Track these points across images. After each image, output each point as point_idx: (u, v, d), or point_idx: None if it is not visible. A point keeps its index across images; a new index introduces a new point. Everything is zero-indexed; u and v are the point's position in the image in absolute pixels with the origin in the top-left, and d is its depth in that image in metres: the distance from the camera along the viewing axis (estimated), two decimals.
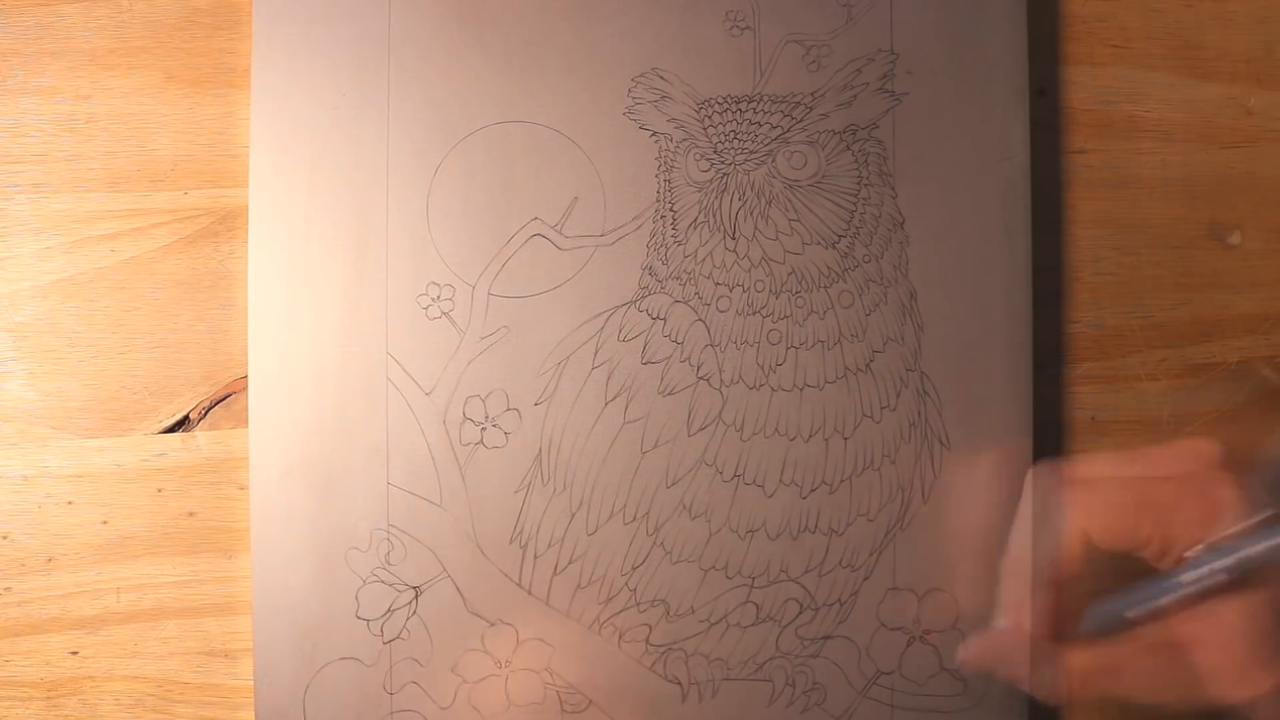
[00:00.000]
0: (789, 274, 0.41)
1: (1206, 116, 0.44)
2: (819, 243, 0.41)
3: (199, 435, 0.42)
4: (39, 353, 0.42)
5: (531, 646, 0.41)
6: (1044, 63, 0.43)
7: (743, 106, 0.41)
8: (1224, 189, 0.44)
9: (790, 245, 0.41)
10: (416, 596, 0.41)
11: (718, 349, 0.41)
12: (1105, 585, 0.35)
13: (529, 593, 0.41)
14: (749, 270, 0.41)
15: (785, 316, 0.41)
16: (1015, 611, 0.36)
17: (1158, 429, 0.44)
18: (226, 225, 0.42)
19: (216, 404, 0.42)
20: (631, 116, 0.41)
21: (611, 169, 0.41)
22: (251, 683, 0.41)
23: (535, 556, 0.41)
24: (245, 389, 0.41)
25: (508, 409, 0.41)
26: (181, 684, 0.42)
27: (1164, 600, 0.33)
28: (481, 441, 0.41)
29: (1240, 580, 0.32)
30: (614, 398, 0.41)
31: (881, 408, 0.41)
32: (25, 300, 0.42)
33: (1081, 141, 0.44)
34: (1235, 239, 0.44)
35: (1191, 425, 0.44)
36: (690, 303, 0.41)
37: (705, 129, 0.41)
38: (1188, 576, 0.33)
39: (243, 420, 0.42)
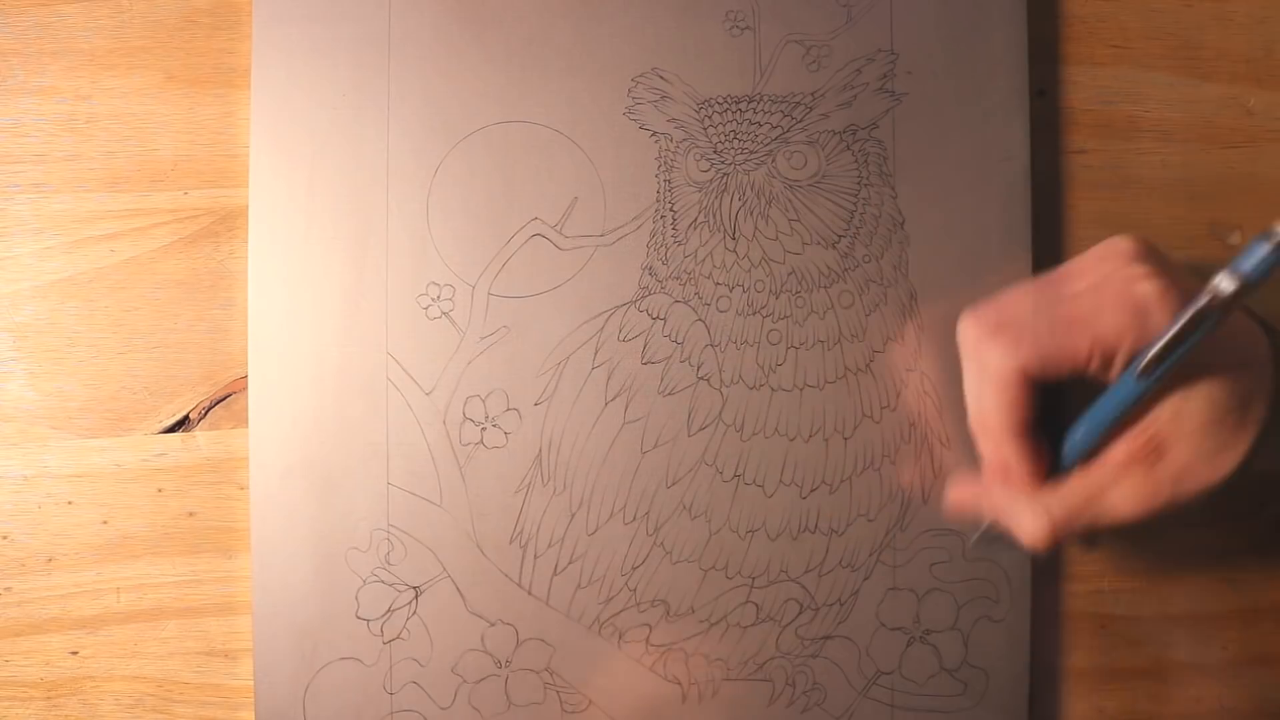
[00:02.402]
0: (789, 274, 0.41)
1: (1206, 116, 0.44)
2: (819, 243, 0.41)
3: (199, 435, 0.42)
4: (39, 353, 0.42)
5: (531, 646, 0.41)
6: (1044, 63, 0.43)
7: (743, 106, 0.41)
8: (1224, 189, 0.44)
9: (790, 245, 0.41)
10: (416, 596, 0.41)
11: (718, 349, 0.41)
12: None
13: (529, 593, 0.41)
14: (749, 270, 0.41)
15: (785, 316, 0.41)
16: (992, 466, 0.36)
17: None
18: (226, 225, 0.42)
19: (216, 404, 0.42)
20: (631, 116, 0.41)
21: (611, 169, 0.41)
22: (251, 683, 0.41)
23: (535, 556, 0.41)
24: (245, 389, 0.41)
25: (508, 409, 0.41)
26: (181, 684, 0.42)
27: (1114, 416, 0.34)
28: (481, 441, 0.41)
29: (1182, 375, 0.32)
30: (614, 398, 0.41)
31: (881, 408, 0.41)
32: (25, 300, 0.42)
33: (1081, 141, 0.44)
34: (1235, 239, 0.44)
35: None
36: (690, 303, 0.41)
37: (705, 129, 0.41)
38: (1126, 388, 0.33)
39: (243, 420, 0.42)
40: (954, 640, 0.41)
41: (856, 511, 0.41)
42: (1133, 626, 0.44)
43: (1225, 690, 0.44)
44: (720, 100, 0.41)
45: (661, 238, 0.41)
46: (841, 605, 0.41)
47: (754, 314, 0.41)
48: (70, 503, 0.42)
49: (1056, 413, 0.36)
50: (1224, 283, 0.30)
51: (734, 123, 0.41)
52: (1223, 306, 0.31)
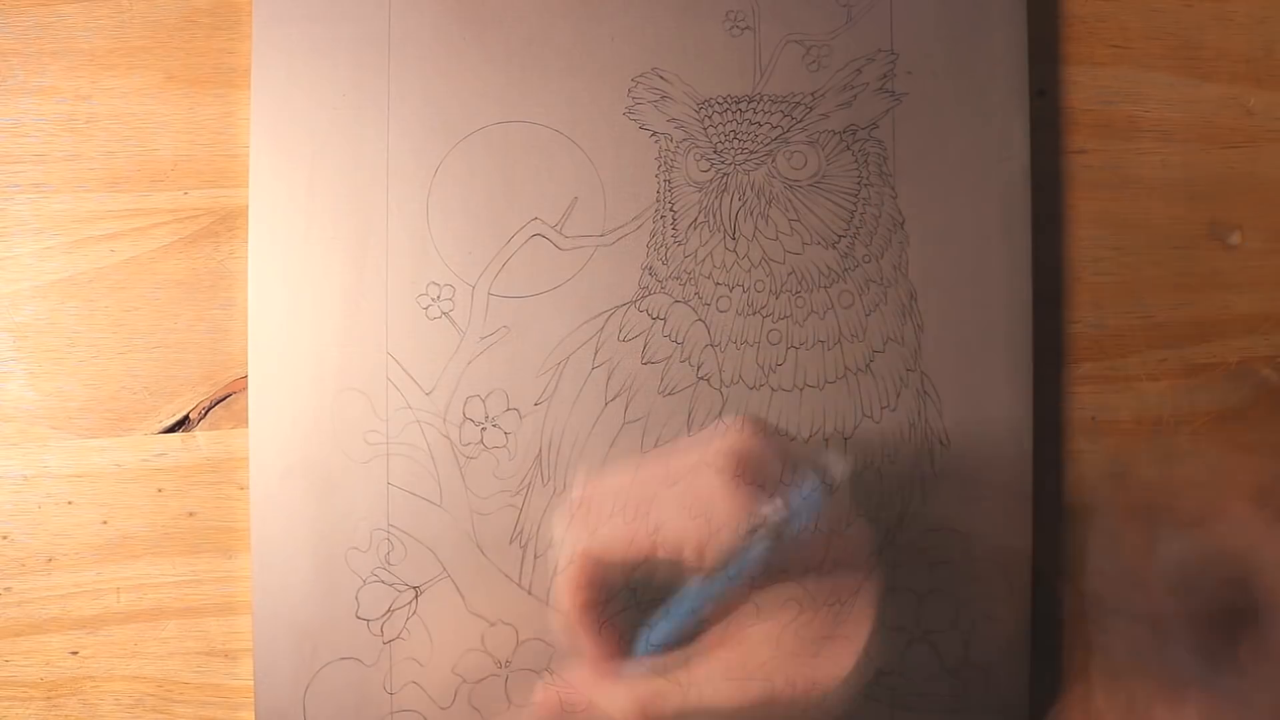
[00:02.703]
0: (789, 274, 0.41)
1: (1206, 116, 0.44)
2: (819, 243, 0.41)
3: (199, 435, 0.42)
4: (39, 353, 0.42)
5: (531, 646, 0.41)
6: (1044, 63, 0.43)
7: (743, 106, 0.41)
8: (1224, 189, 0.44)
9: (790, 245, 0.41)
10: (416, 596, 0.41)
11: (718, 349, 0.41)
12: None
13: (529, 593, 0.41)
14: (749, 270, 0.41)
15: (785, 316, 0.41)
16: (578, 639, 0.35)
17: (1158, 428, 0.44)
18: (226, 225, 0.42)
19: (216, 404, 0.42)
20: (631, 116, 0.41)
21: (611, 169, 0.41)
22: (251, 683, 0.41)
23: (535, 556, 0.41)
24: (245, 389, 0.41)
25: (508, 409, 0.41)
26: (181, 684, 0.42)
27: (692, 609, 0.33)
28: (481, 441, 0.41)
29: (754, 582, 0.32)
30: (614, 398, 0.41)
31: (881, 408, 0.41)
32: (25, 300, 0.42)
33: (1081, 141, 0.44)
34: (1235, 239, 0.44)
35: (1192, 424, 0.44)
36: (690, 303, 0.41)
37: (705, 129, 0.41)
38: (697, 590, 0.33)
39: (243, 420, 0.42)
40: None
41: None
42: (1132, 626, 0.44)
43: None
44: (720, 100, 0.41)
45: (661, 238, 0.41)
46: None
47: (754, 314, 0.41)
48: (70, 503, 0.42)
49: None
50: (773, 512, 0.30)
51: (734, 123, 0.41)
52: (774, 533, 0.30)
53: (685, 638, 0.35)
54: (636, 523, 0.33)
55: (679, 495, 0.33)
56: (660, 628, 0.35)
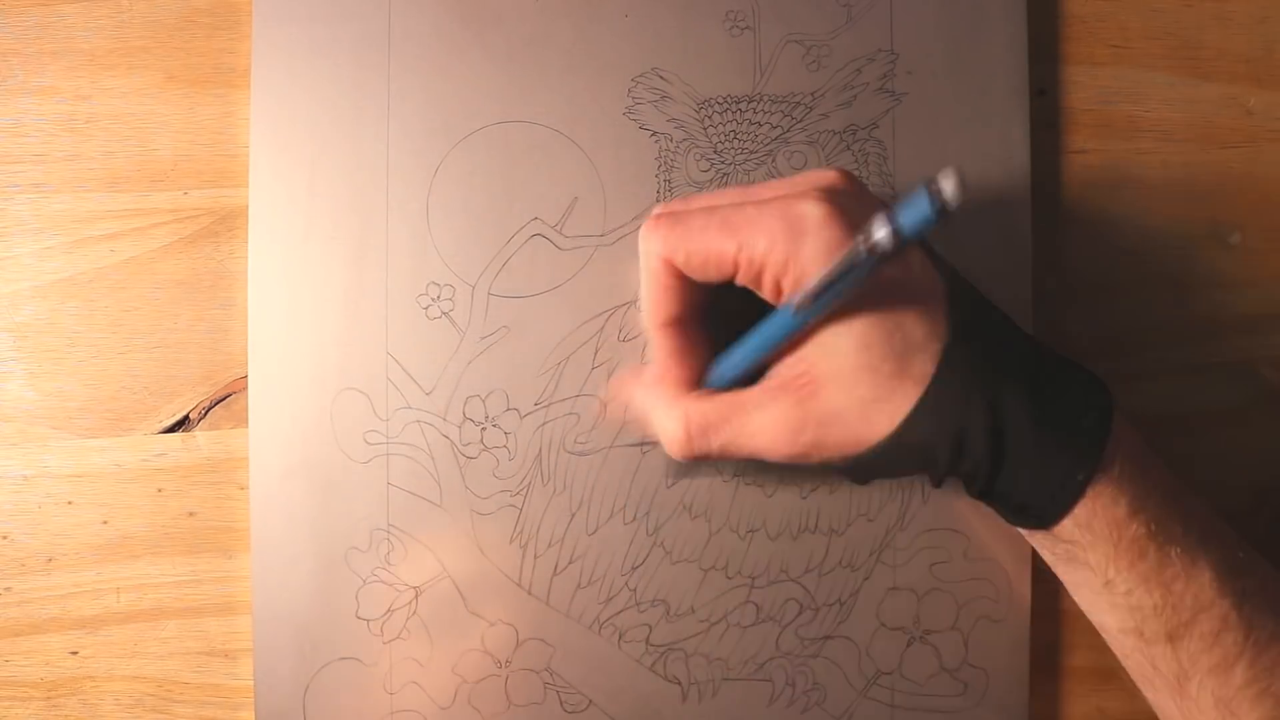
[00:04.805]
0: None
1: (1206, 116, 0.44)
2: None
3: (199, 435, 0.42)
4: (39, 353, 0.42)
5: (531, 646, 0.41)
6: (1044, 63, 0.43)
7: (743, 106, 0.41)
8: (1224, 189, 0.44)
9: None
10: (416, 596, 0.41)
11: None
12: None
13: (529, 593, 0.41)
14: None
15: None
16: (655, 364, 0.35)
17: (1159, 429, 0.44)
18: (226, 225, 0.42)
19: (216, 404, 0.42)
20: (631, 116, 0.41)
21: (611, 169, 0.41)
22: (251, 683, 0.41)
23: (535, 556, 0.41)
24: (245, 389, 0.41)
25: (508, 409, 0.41)
26: (181, 684, 0.42)
27: (767, 345, 0.33)
28: (481, 441, 0.41)
29: (845, 310, 0.31)
30: (614, 398, 0.41)
31: None
32: (25, 300, 0.42)
33: (1081, 141, 0.44)
34: (1235, 239, 0.44)
35: (1191, 424, 0.44)
36: None
37: (705, 129, 0.41)
38: (782, 318, 0.32)
39: (243, 420, 0.42)
40: (954, 640, 0.41)
41: (856, 511, 0.41)
42: None
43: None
44: (720, 100, 0.41)
45: None
46: (841, 605, 0.41)
47: None
48: (70, 503, 0.42)
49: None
50: (879, 233, 0.28)
51: (734, 123, 0.41)
52: (879, 257, 0.29)
53: (753, 374, 0.34)
54: (724, 238, 0.32)
55: (770, 218, 0.31)
56: (731, 359, 0.34)
